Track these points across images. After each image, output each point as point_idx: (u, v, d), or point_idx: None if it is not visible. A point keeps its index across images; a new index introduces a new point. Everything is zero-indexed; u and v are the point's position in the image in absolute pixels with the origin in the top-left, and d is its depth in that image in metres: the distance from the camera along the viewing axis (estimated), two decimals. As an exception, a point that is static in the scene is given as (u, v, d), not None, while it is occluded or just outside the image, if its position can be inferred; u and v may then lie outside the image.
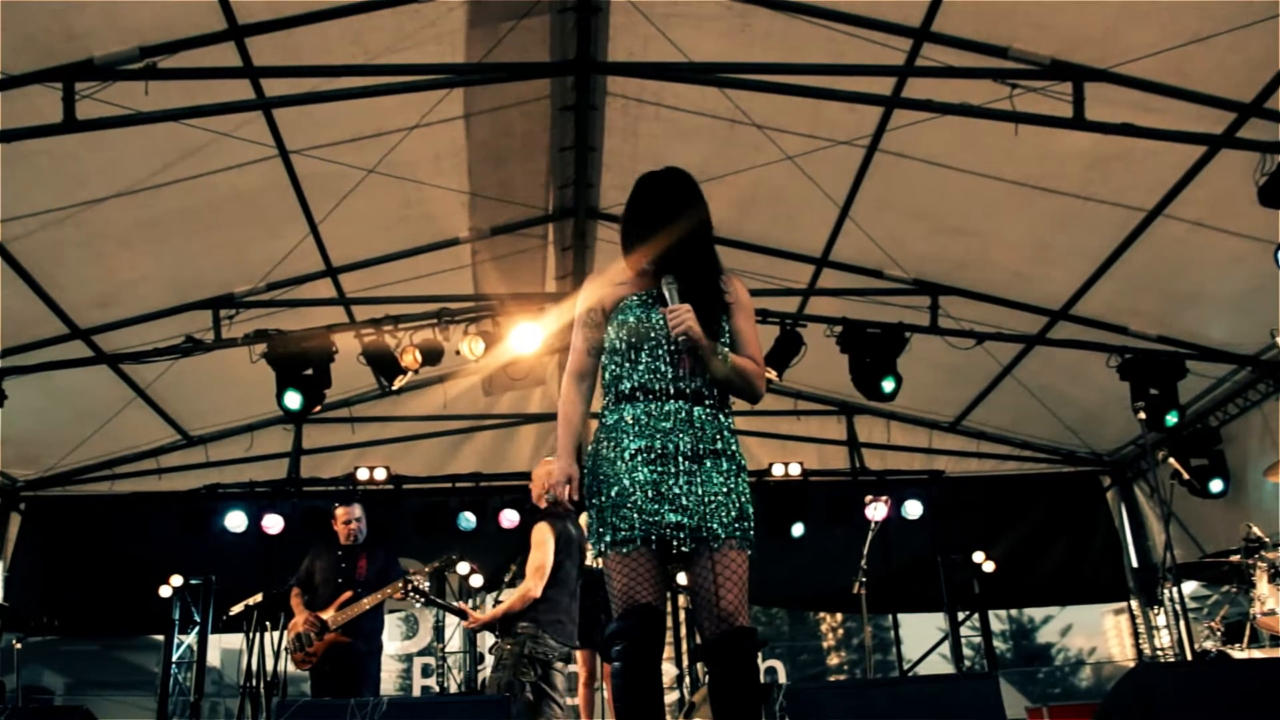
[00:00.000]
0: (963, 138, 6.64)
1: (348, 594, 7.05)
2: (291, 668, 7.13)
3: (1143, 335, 8.29)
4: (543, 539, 6.08)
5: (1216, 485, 8.91)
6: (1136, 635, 11.20)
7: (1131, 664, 11.28)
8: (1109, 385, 8.44)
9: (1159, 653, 10.55)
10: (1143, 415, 7.32)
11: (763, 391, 3.29)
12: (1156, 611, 10.71)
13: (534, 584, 5.92)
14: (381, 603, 7.03)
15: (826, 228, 8.13)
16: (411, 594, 6.73)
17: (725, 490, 3.11)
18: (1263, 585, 5.94)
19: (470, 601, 7.71)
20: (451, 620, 9.56)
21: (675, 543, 3.04)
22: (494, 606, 6.32)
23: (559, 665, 6.03)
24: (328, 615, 6.95)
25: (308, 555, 7.45)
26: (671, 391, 3.15)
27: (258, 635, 7.37)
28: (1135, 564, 11.02)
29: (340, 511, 7.35)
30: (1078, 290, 8.05)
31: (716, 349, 3.15)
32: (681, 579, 7.43)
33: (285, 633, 7.18)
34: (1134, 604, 11.17)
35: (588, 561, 7.83)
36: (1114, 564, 11.15)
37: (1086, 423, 10.30)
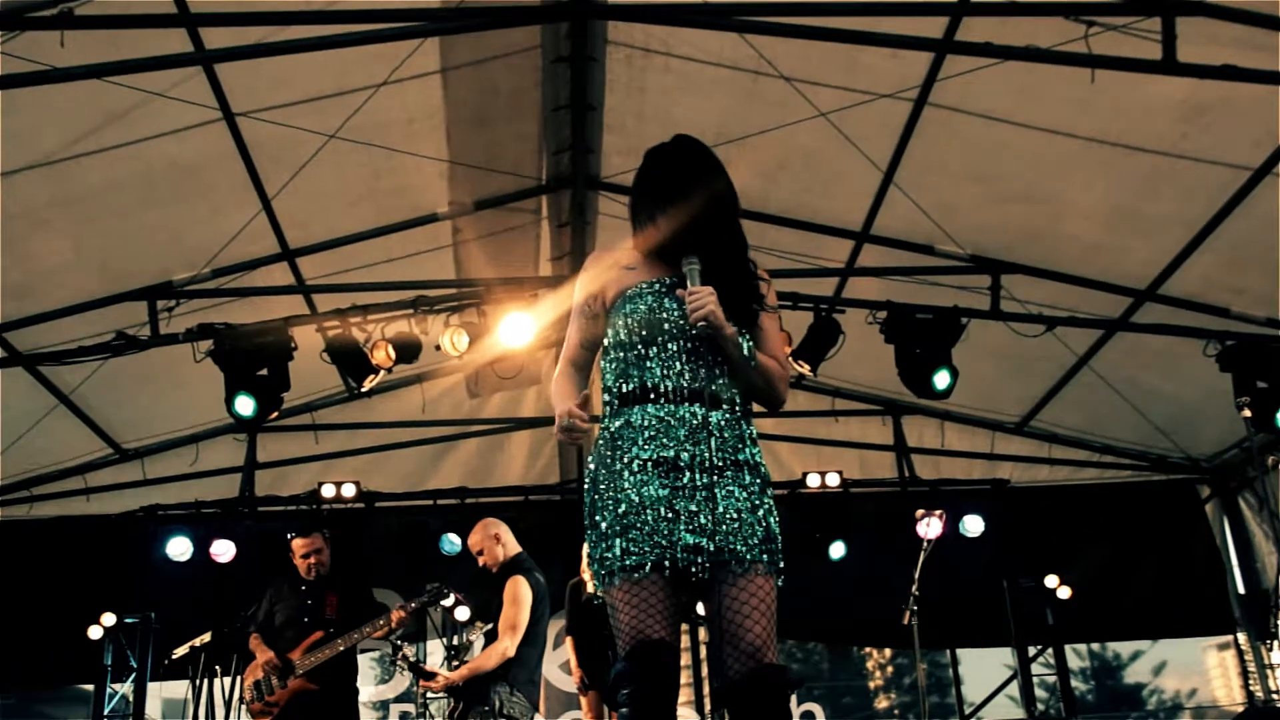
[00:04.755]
0: (1029, 87, 6.62)
1: (317, 634, 7.07)
2: None
3: (1248, 318, 8.25)
4: (518, 594, 6.62)
5: (1336, 496, 8.89)
6: (1245, 675, 11.16)
7: (1240, 709, 11.24)
8: (1207, 378, 8.39)
9: (1274, 697, 10.52)
10: (1248, 413, 7.30)
11: (784, 397, 3.31)
12: (1269, 646, 10.67)
13: (510, 643, 6.46)
14: (356, 644, 7.06)
15: (868, 196, 8.12)
16: (400, 663, 6.88)
17: (749, 507, 3.11)
18: (1391, 613, 5.92)
19: (457, 637, 7.81)
20: (435, 659, 9.62)
21: (692, 568, 3.05)
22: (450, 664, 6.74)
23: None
24: (294, 657, 6.97)
25: (266, 595, 7.46)
26: (686, 394, 3.15)
27: (206, 682, 7.39)
28: (1241, 590, 11.00)
29: (297, 544, 7.35)
30: (1168, 265, 8.01)
31: (740, 342, 3.15)
32: (699, 610, 7.50)
33: (241, 679, 7.20)
34: (1241, 638, 11.14)
35: (589, 590, 7.90)
36: (1216, 590, 11.10)
37: (1180, 422, 10.27)
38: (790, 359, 8.40)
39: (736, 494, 3.11)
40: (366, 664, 12.04)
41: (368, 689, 12.26)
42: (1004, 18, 6.04)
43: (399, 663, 6.96)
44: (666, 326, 3.20)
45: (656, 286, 3.27)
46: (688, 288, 3.14)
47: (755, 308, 3.27)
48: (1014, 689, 11.16)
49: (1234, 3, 5.72)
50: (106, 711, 9.97)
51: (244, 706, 7.11)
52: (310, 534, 7.39)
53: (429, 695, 8.02)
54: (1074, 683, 11.44)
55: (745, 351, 3.18)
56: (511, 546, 6.96)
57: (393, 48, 6.44)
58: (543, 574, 6.90)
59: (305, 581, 7.33)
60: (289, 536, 7.43)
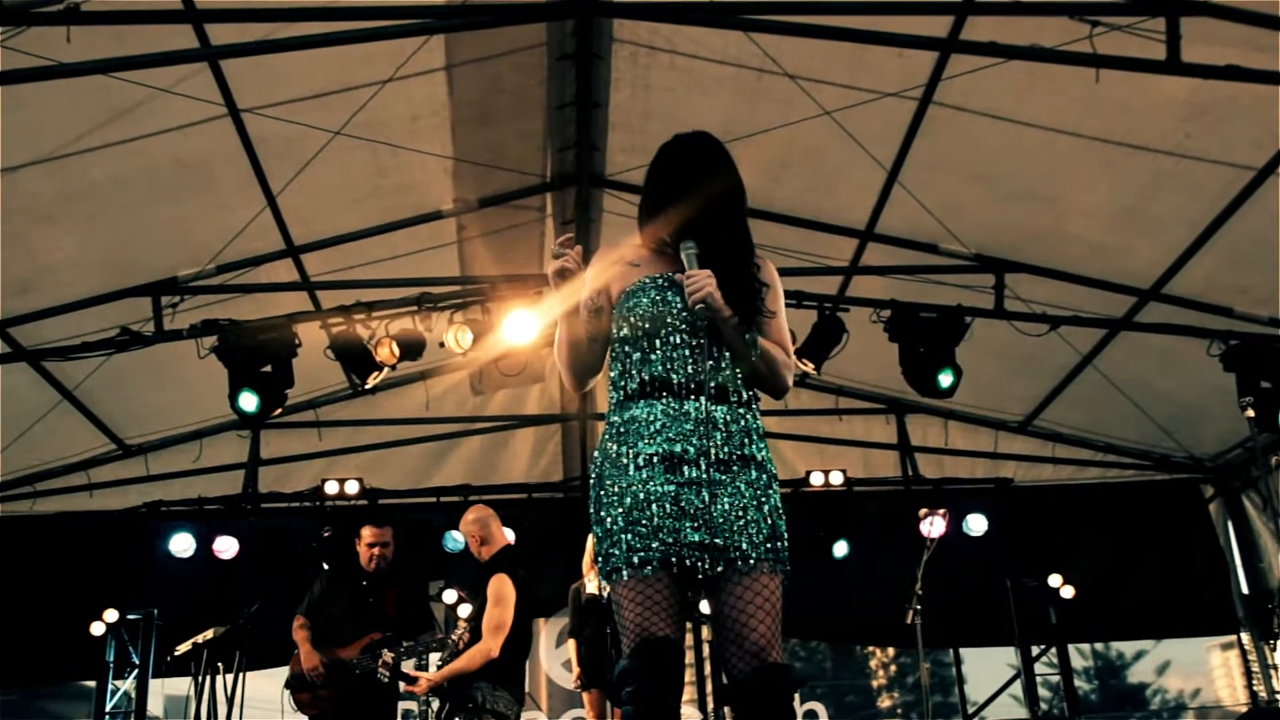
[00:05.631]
0: (1033, 87, 6.63)
1: (375, 636, 7.03)
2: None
3: (1251, 317, 8.25)
4: (503, 593, 6.44)
5: (1341, 495, 8.90)
6: (1249, 675, 11.16)
7: (1243, 709, 11.25)
8: (1210, 377, 8.39)
9: (1278, 697, 10.52)
10: (1251, 412, 7.30)
11: (789, 384, 3.30)
12: (1273, 646, 10.67)
13: (494, 643, 6.30)
14: (419, 655, 7.07)
15: (872, 195, 8.13)
16: (381, 670, 6.83)
17: (755, 504, 3.11)
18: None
19: (460, 632, 7.83)
20: (435, 658, 9.63)
21: (700, 565, 3.06)
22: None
23: (518, 714, 6.45)
24: (351, 655, 6.98)
25: (319, 579, 7.45)
26: (691, 387, 3.15)
27: (208, 679, 7.39)
28: (1246, 590, 11.00)
29: (367, 531, 7.32)
30: (1172, 265, 8.01)
31: (741, 328, 3.16)
32: (704, 608, 7.52)
33: (289, 667, 7.18)
34: (1245, 637, 11.14)
35: (590, 589, 7.93)
36: (1220, 589, 11.12)
37: (1183, 422, 10.28)
38: (795, 355, 8.41)
39: (742, 490, 3.11)
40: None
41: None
42: (1008, 17, 6.04)
43: (379, 669, 6.88)
44: (670, 321, 3.20)
45: (660, 281, 3.27)
46: (685, 271, 3.15)
47: (757, 302, 3.27)
48: (1017, 688, 11.18)
49: (1238, 3, 5.72)
50: (108, 708, 9.98)
51: (289, 692, 7.08)
52: (383, 525, 7.38)
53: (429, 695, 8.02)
54: (1077, 682, 11.44)
55: (747, 338, 3.19)
56: (497, 540, 6.79)
57: (398, 45, 6.45)
58: (525, 569, 6.75)
59: (365, 575, 7.29)
60: (361, 524, 7.39)
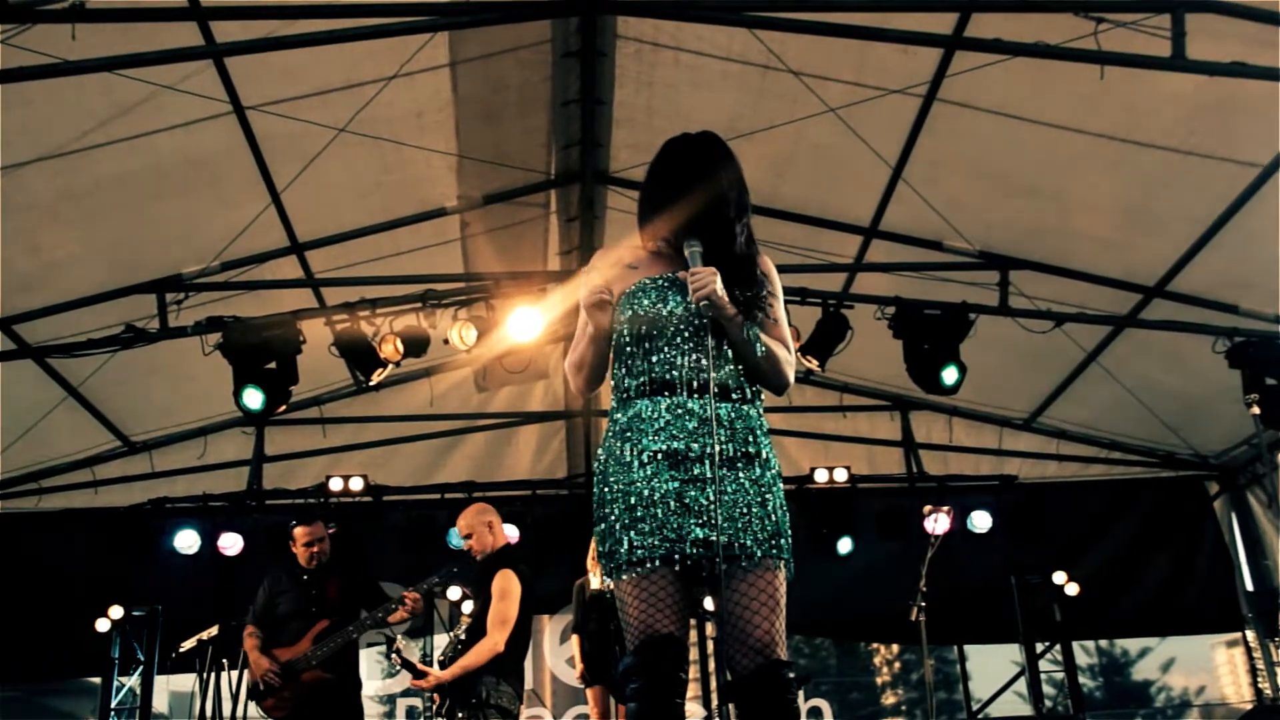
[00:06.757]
0: (1038, 83, 6.63)
1: (323, 623, 7.06)
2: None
3: (1257, 314, 8.25)
4: (509, 589, 6.48)
5: (1347, 492, 8.90)
6: (1254, 672, 11.16)
7: (1248, 706, 11.25)
8: (1216, 374, 8.39)
9: (1281, 693, 10.53)
10: (1257, 410, 7.30)
11: (790, 381, 3.31)
12: (1278, 643, 10.66)
13: (499, 638, 6.35)
14: (370, 629, 7.09)
15: (876, 192, 8.14)
16: (394, 658, 6.85)
17: (759, 500, 3.12)
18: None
19: (461, 629, 7.85)
20: (438, 655, 9.67)
21: (705, 563, 3.06)
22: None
23: (519, 710, 6.50)
24: (301, 651, 6.98)
25: (262, 585, 7.43)
26: (695, 386, 3.17)
27: (212, 675, 7.40)
28: (1250, 587, 10.98)
29: (299, 531, 7.34)
30: (1177, 262, 8.02)
31: (744, 325, 3.17)
32: (708, 604, 7.53)
33: (246, 675, 7.19)
34: (1249, 635, 11.13)
35: (594, 585, 7.95)
36: (1224, 587, 11.11)
37: (1188, 419, 10.27)
38: (798, 353, 8.42)
39: (747, 487, 3.12)
40: (374, 657, 12.06)
41: (373, 683, 12.29)
42: (1013, 13, 6.06)
43: (393, 657, 6.91)
44: (671, 320, 3.21)
45: (660, 282, 3.28)
46: (687, 290, 3.14)
47: (760, 300, 3.28)
48: (1021, 685, 11.19)
49: (1243, 0, 5.73)
50: (114, 705, 10.00)
51: (255, 703, 7.10)
52: (313, 522, 7.39)
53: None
54: (1082, 679, 11.48)
55: (749, 335, 3.20)
56: (501, 536, 6.84)
57: (402, 41, 6.45)
58: (526, 566, 6.75)
59: (306, 570, 7.31)
60: (292, 524, 7.43)
